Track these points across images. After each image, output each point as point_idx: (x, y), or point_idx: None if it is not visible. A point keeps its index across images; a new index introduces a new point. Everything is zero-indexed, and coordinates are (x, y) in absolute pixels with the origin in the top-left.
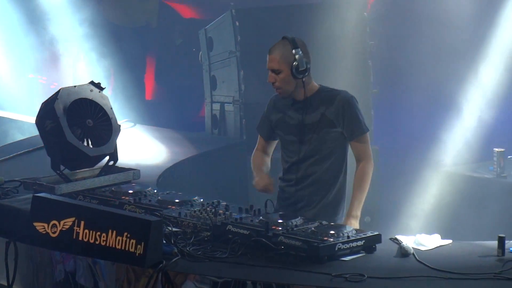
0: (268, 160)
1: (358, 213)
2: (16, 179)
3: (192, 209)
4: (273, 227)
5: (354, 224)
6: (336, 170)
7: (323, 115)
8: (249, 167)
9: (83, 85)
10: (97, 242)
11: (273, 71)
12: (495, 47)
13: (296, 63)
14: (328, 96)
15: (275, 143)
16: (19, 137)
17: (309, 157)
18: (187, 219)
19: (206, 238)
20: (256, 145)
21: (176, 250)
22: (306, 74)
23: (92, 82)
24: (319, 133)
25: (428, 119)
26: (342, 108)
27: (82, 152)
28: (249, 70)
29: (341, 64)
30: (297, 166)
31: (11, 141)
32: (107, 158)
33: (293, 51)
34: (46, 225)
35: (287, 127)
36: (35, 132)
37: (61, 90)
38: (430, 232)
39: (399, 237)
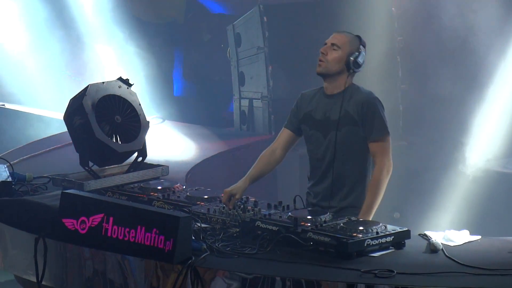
0: (272, 161)
1: (368, 218)
2: (45, 175)
3: (221, 205)
4: (302, 223)
5: None
6: (357, 172)
7: (346, 112)
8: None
9: (111, 81)
10: (126, 239)
11: (333, 45)
12: None
13: (357, 55)
14: (353, 94)
15: (297, 140)
16: (47, 133)
17: (331, 154)
18: (216, 215)
19: (235, 234)
20: (273, 142)
21: (205, 246)
22: (356, 71)
23: (120, 78)
24: (341, 130)
25: (457, 114)
26: (362, 108)
27: (111, 148)
28: (277, 66)
29: (369, 60)
30: (321, 163)
31: (39, 138)
32: (135, 154)
33: (361, 46)
34: (75, 221)
35: (313, 121)
36: (63, 128)
37: (89, 87)
38: (459, 228)
39: (428, 233)
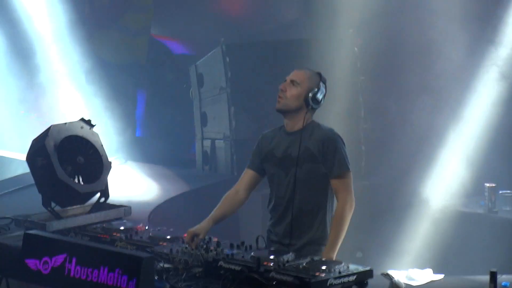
0: (236, 202)
1: (332, 255)
2: (7, 216)
3: (183, 245)
4: (265, 263)
5: None
6: (317, 208)
7: (306, 148)
8: None
9: (73, 122)
10: (88, 279)
11: (292, 81)
12: (483, 80)
13: (316, 91)
14: (314, 131)
15: (260, 180)
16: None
17: (292, 191)
18: (179, 256)
19: (197, 275)
20: (236, 183)
21: (168, 287)
22: (315, 107)
23: (82, 119)
24: (301, 167)
25: (418, 154)
26: (322, 144)
27: (73, 189)
28: (240, 106)
29: (332, 100)
30: (282, 201)
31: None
32: (98, 195)
33: (320, 83)
34: (37, 261)
35: (274, 159)
36: (26, 169)
37: (51, 127)
38: (422, 267)
39: (390, 272)
